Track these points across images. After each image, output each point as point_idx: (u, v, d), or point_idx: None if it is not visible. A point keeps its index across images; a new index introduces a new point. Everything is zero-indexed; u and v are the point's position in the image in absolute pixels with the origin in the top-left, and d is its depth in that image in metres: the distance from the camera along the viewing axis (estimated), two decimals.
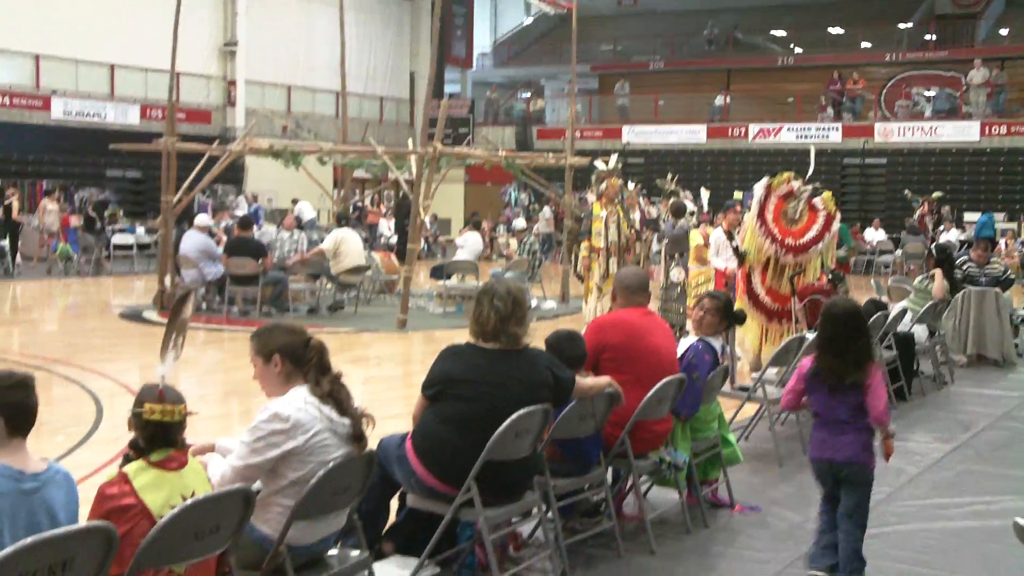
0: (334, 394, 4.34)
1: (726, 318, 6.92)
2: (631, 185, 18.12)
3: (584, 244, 14.35)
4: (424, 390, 5.10)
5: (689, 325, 8.08)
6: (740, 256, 10.92)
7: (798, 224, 10.53)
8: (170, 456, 3.77)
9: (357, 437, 4.35)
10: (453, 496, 4.95)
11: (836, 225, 10.67)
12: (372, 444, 4.53)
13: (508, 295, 5.12)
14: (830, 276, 11.07)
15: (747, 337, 10.91)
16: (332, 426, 4.29)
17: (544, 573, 5.39)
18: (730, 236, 12.17)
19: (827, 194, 10.71)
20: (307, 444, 4.20)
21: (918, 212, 26.21)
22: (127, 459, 3.77)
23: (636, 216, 17.15)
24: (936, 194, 26.73)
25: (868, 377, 5.28)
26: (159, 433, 3.76)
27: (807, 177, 10.85)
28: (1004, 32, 38.79)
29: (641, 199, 18.32)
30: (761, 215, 10.54)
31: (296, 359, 4.36)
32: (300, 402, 4.25)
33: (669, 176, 18.57)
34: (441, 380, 5.04)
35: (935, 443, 8.80)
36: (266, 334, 4.46)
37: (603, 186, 13.83)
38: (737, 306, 7.85)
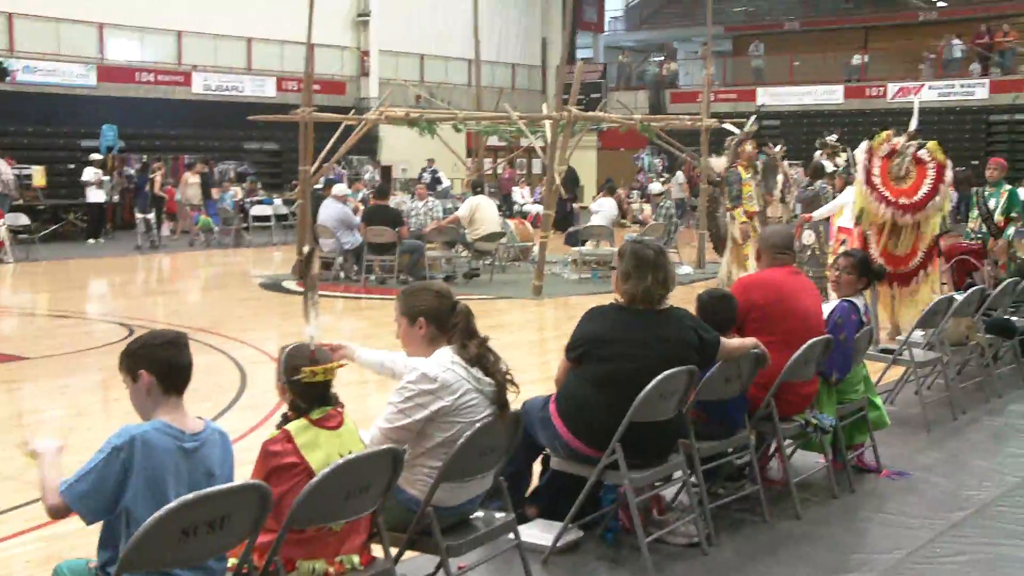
0: (481, 358, 4.33)
1: (864, 275, 6.73)
2: (776, 147, 17.81)
3: (739, 210, 14.14)
4: (568, 352, 5.07)
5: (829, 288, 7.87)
6: (856, 218, 10.57)
7: (907, 182, 10.10)
8: (328, 414, 3.81)
9: (501, 405, 4.33)
10: (597, 459, 4.92)
11: (949, 174, 10.19)
12: (515, 408, 4.53)
13: (651, 254, 5.07)
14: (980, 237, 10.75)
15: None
16: (479, 386, 4.28)
17: (688, 537, 5.32)
18: None
19: (932, 144, 10.22)
20: (455, 404, 4.21)
21: None
22: (286, 418, 3.82)
23: (780, 179, 16.86)
24: None
25: None
26: (318, 393, 3.81)
27: (911, 132, 10.37)
28: None
29: (786, 162, 17.98)
30: (868, 179, 10.14)
31: (441, 323, 4.37)
32: (447, 362, 4.26)
33: (832, 137, 18.16)
34: (585, 341, 5.00)
35: None
36: (413, 295, 4.48)
37: (745, 148, 13.55)
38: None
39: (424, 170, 28.64)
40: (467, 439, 4.10)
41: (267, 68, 30.70)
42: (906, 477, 6.59)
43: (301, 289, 15.12)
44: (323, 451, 3.70)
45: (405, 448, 3.94)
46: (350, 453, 3.71)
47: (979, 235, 11.45)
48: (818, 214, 12.96)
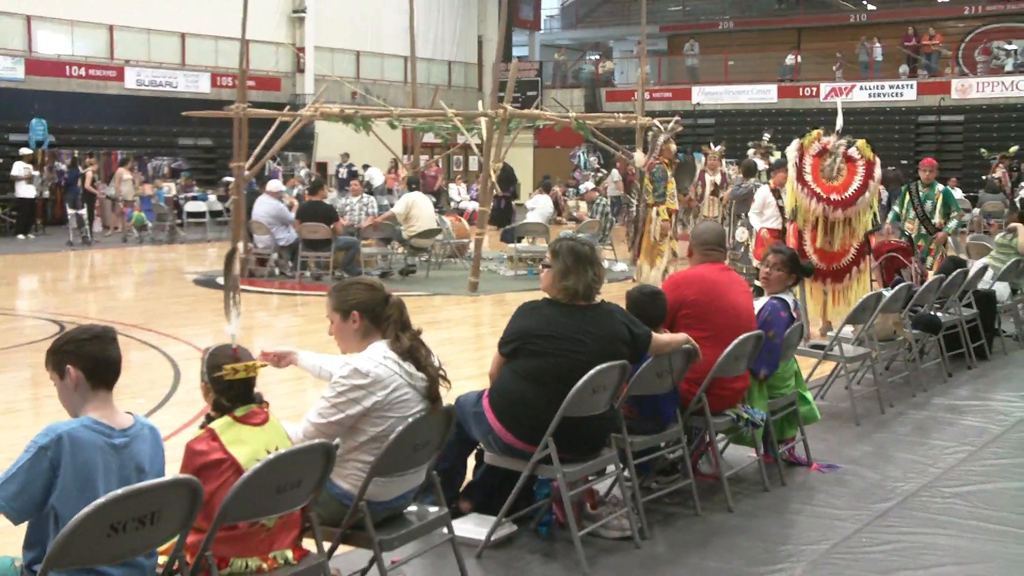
0: (413, 351, 4.34)
1: (794, 271, 6.83)
2: (715, 146, 18.01)
3: (663, 207, 14.28)
4: (501, 347, 5.10)
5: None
6: (790, 215, 10.73)
7: (838, 179, 10.28)
8: (252, 411, 3.80)
9: (432, 398, 4.35)
10: (530, 453, 4.95)
11: (878, 172, 10.39)
12: (448, 403, 4.55)
13: (587, 250, 5.13)
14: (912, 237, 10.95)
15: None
16: (411, 381, 4.29)
17: (621, 531, 5.37)
18: (777, 195, 12.12)
19: (861, 142, 10.41)
20: (387, 399, 4.21)
21: (997, 171, 25.45)
22: (209, 419, 3.81)
23: (717, 178, 17.08)
24: (1013, 148, 26.06)
25: None
26: (240, 390, 3.80)
27: (837, 132, 10.55)
28: None
29: (724, 161, 18.22)
30: (800, 176, 10.31)
31: (374, 316, 4.37)
32: (379, 357, 4.26)
33: (766, 137, 18.41)
34: (518, 336, 5.04)
35: (1018, 401, 8.65)
36: (345, 290, 4.47)
37: (668, 146, 13.72)
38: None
39: (340, 166, 28.56)
40: (399, 434, 4.10)
41: (202, 64, 30.40)
42: (835, 470, 6.70)
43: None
44: (249, 446, 3.70)
45: (337, 443, 3.94)
46: (277, 449, 3.72)
47: (920, 234, 11.64)
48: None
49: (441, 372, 4.40)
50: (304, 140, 30.27)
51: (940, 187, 11.93)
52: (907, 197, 11.90)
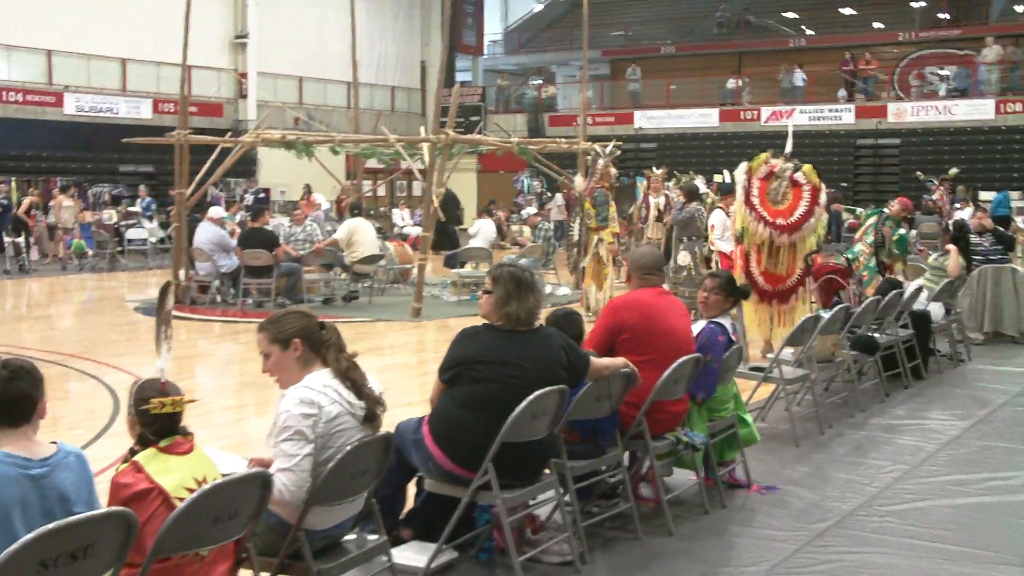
0: (351, 374, 4.34)
1: (731, 295, 6.91)
2: (658, 170, 18.18)
3: (607, 231, 14.37)
4: (441, 373, 5.12)
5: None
6: (738, 237, 10.86)
7: (784, 203, 10.41)
8: (176, 441, 3.79)
9: (370, 417, 4.35)
10: (470, 479, 4.96)
11: (823, 197, 10.53)
12: (388, 429, 4.55)
13: (528, 276, 5.18)
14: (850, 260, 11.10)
15: (744, 318, 10.83)
16: (351, 409, 4.29)
17: (562, 555, 5.39)
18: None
19: (808, 167, 10.55)
20: (328, 429, 4.21)
21: (936, 192, 25.81)
22: (133, 452, 3.78)
23: (661, 201, 17.23)
24: (952, 171, 26.47)
25: None
26: (166, 424, 3.78)
27: (786, 155, 10.69)
28: (1020, 8, 38.48)
29: (670, 185, 18.40)
30: (748, 200, 10.43)
31: (313, 342, 4.36)
32: (320, 385, 4.25)
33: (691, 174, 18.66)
34: (458, 362, 5.05)
35: (952, 420, 8.78)
36: (280, 321, 4.44)
37: (609, 170, 13.85)
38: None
39: (247, 191, 28.46)
40: (338, 462, 4.10)
41: (143, 89, 30.20)
42: (774, 491, 6.77)
43: (178, 314, 14.99)
44: (176, 475, 3.68)
45: (271, 472, 3.93)
46: (205, 478, 3.70)
47: (867, 266, 11.78)
48: None
49: (379, 398, 4.41)
50: (247, 166, 30.15)
51: (902, 231, 12.09)
52: (877, 226, 11.96)
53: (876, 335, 9.81)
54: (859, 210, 12.54)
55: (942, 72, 33.78)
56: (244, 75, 33.05)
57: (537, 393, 4.88)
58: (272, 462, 4.20)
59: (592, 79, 39.32)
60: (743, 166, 10.63)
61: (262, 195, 28.00)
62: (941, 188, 25.46)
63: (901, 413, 9.10)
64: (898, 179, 32.33)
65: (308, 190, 25.44)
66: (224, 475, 3.86)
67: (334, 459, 4.12)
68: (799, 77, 35.08)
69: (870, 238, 11.77)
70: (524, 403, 4.84)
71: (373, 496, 4.61)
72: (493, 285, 5.18)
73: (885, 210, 12.21)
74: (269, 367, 4.43)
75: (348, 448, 4.16)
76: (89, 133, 28.50)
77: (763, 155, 10.67)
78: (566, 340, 5.30)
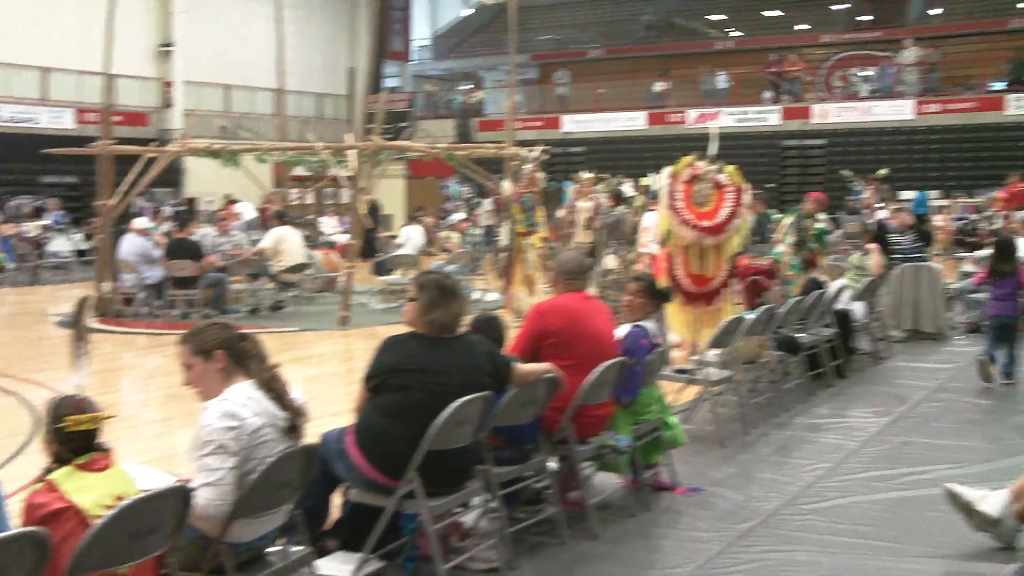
0: (273, 385, 4.33)
1: (654, 298, 6.97)
2: (586, 174, 18.23)
3: (536, 236, 14.41)
4: (365, 382, 5.12)
5: None
6: (662, 240, 10.90)
7: (708, 205, 10.48)
8: (93, 458, 3.75)
9: (293, 428, 4.34)
10: (395, 488, 4.96)
11: (747, 198, 10.61)
12: (313, 439, 4.54)
13: (451, 283, 5.19)
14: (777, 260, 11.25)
15: (671, 319, 10.90)
16: (274, 420, 4.28)
17: (488, 562, 5.40)
18: None
19: (731, 168, 10.64)
20: (251, 441, 4.19)
21: (866, 192, 25.98)
22: (48, 471, 3.74)
23: (589, 205, 17.27)
24: (881, 171, 26.77)
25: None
26: (83, 442, 3.74)
27: (710, 158, 10.77)
28: (936, 12, 39.20)
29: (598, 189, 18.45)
30: (671, 203, 10.49)
31: (236, 352, 4.35)
32: (243, 397, 4.24)
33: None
34: (382, 371, 5.06)
35: (873, 417, 8.94)
36: (201, 333, 4.42)
37: (536, 175, 13.88)
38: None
39: (167, 203, 28.22)
40: (262, 474, 4.08)
41: (65, 99, 29.76)
42: (700, 493, 6.83)
43: (102, 327, 14.79)
44: (93, 492, 3.65)
45: (192, 485, 3.91)
46: (123, 494, 3.67)
47: (792, 265, 11.91)
48: None
49: (301, 409, 4.40)
50: (174, 176, 29.82)
51: (820, 225, 12.21)
52: (795, 224, 12.06)
53: (800, 335, 9.94)
54: (775, 216, 12.58)
55: (864, 73, 34.29)
56: (170, 84, 32.70)
57: (461, 400, 4.90)
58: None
59: (520, 83, 39.40)
60: (666, 169, 10.70)
61: (182, 208, 27.66)
62: (871, 188, 25.63)
63: (824, 412, 9.24)
64: (824, 179, 32.62)
65: (229, 200, 25.19)
66: (143, 491, 3.82)
67: (257, 471, 4.10)
68: (722, 80, 35.46)
69: (790, 238, 11.90)
70: (448, 410, 4.85)
71: (298, 507, 4.60)
72: (417, 292, 5.19)
73: (800, 209, 12.34)
74: (191, 379, 4.40)
75: (271, 460, 4.14)
76: (9, 144, 27.98)
77: (686, 158, 10.73)
78: (489, 346, 5.33)
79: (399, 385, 5.01)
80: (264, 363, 4.37)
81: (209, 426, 4.14)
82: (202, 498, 4.01)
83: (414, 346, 5.13)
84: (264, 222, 20.90)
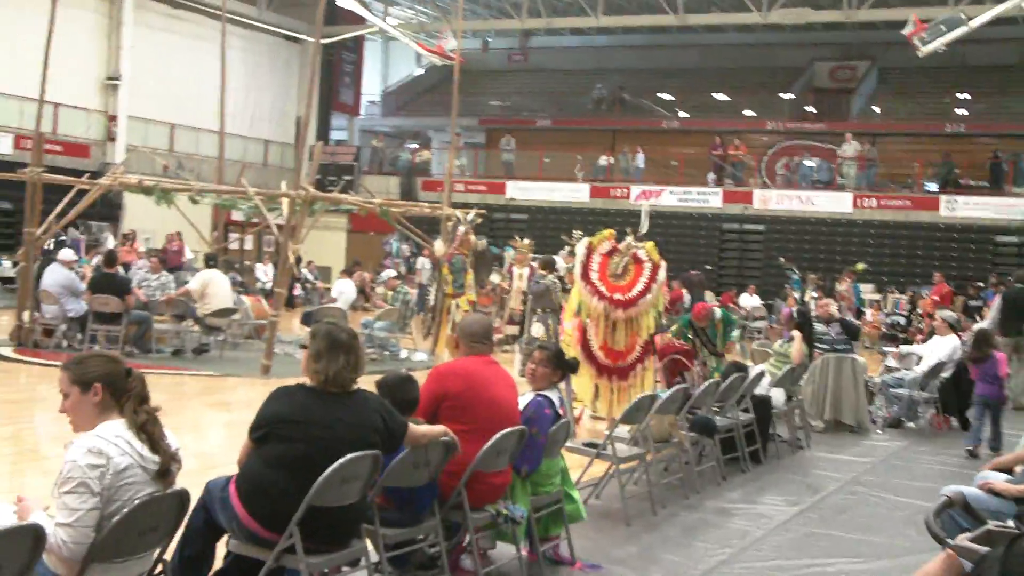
0: (148, 427, 4.19)
1: (559, 367, 6.89)
2: (525, 240, 18.24)
3: (463, 298, 14.33)
4: (251, 432, 4.97)
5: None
6: (576, 310, 10.86)
7: (625, 279, 10.47)
8: None
9: (163, 473, 4.19)
10: (276, 542, 4.81)
11: (662, 275, 10.60)
12: (199, 488, 4.39)
13: (344, 336, 5.07)
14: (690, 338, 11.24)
15: (581, 391, 10.84)
16: (142, 462, 4.13)
17: None
18: None
19: (649, 244, 10.66)
20: (116, 481, 4.04)
21: (843, 284, 25.63)
22: None
23: (526, 271, 17.25)
24: (860, 265, 26.89)
25: None
26: None
27: (639, 235, 10.78)
28: (876, 109, 39.96)
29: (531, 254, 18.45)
30: (585, 274, 10.47)
31: (116, 389, 4.23)
32: (111, 435, 4.10)
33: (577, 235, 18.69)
34: (268, 421, 4.92)
35: (783, 506, 8.88)
36: (84, 362, 4.32)
37: (469, 237, 13.85)
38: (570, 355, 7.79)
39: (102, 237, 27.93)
40: (124, 516, 3.94)
41: (4, 125, 29.35)
42: (598, 570, 6.73)
43: (19, 356, 14.46)
44: None
45: (51, 524, 3.75)
46: None
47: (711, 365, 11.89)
48: None
49: (174, 454, 4.26)
50: (112, 210, 29.45)
51: (717, 314, 12.23)
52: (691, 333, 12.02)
53: (717, 418, 9.90)
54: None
55: (807, 163, 34.76)
56: (114, 117, 32.37)
57: (348, 457, 4.76)
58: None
59: (468, 146, 39.55)
60: (584, 240, 10.69)
61: (122, 244, 27.30)
62: (848, 280, 25.39)
63: (735, 496, 9.17)
64: (761, 264, 33.07)
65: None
66: None
67: (121, 513, 3.95)
68: (640, 159, 35.94)
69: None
70: (333, 466, 4.71)
71: (178, 554, 4.44)
72: (310, 341, 5.09)
73: (688, 316, 12.34)
74: (66, 407, 4.29)
75: (136, 503, 3.99)
76: None
77: (607, 231, 10.74)
78: (383, 404, 5.20)
79: (283, 436, 4.87)
80: (144, 404, 4.25)
81: (73, 462, 4.00)
82: (58, 538, 3.87)
83: (302, 398, 5.00)
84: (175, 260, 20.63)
